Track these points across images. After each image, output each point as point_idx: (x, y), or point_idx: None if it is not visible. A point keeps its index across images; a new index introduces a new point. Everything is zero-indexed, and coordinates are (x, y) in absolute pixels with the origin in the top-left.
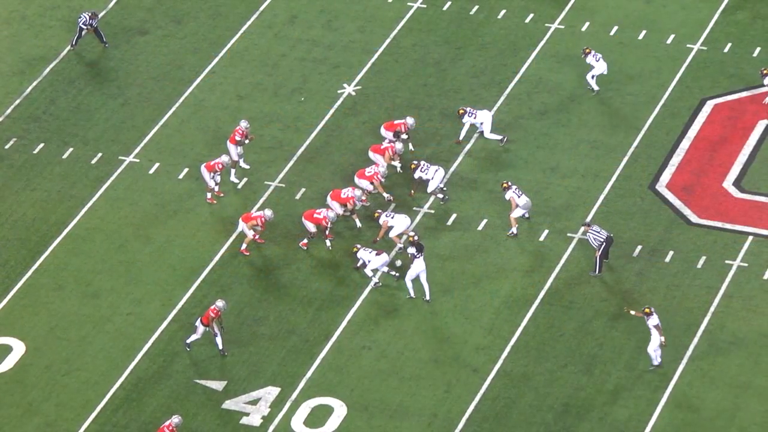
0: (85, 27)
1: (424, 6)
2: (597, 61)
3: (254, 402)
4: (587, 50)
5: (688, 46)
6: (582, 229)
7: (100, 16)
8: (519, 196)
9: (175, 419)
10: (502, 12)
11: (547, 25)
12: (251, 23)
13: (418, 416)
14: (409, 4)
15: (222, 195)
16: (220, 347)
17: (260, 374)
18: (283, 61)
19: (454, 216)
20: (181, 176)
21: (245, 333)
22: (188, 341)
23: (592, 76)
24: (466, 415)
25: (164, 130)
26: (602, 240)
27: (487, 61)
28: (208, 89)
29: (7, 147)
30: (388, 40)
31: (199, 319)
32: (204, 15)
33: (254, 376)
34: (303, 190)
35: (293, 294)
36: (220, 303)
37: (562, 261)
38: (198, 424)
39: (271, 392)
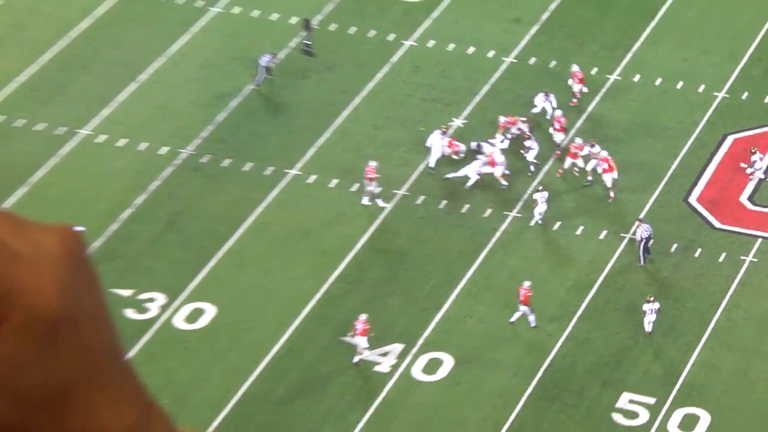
0: (266, 65)
1: (515, 61)
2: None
3: (384, 354)
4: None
5: (714, 94)
6: (636, 223)
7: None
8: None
9: (363, 316)
10: (575, 67)
11: (607, 76)
12: (385, 71)
13: (506, 367)
14: (503, 59)
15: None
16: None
17: (389, 334)
18: (408, 100)
19: (538, 217)
20: (331, 185)
21: (379, 303)
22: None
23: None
24: (543, 368)
25: (319, 151)
26: (648, 234)
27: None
28: (352, 120)
29: (203, 161)
30: (487, 87)
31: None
32: (350, 64)
33: (385, 336)
34: (422, 197)
35: (413, 276)
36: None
37: (616, 255)
38: (343, 369)
39: (397, 348)
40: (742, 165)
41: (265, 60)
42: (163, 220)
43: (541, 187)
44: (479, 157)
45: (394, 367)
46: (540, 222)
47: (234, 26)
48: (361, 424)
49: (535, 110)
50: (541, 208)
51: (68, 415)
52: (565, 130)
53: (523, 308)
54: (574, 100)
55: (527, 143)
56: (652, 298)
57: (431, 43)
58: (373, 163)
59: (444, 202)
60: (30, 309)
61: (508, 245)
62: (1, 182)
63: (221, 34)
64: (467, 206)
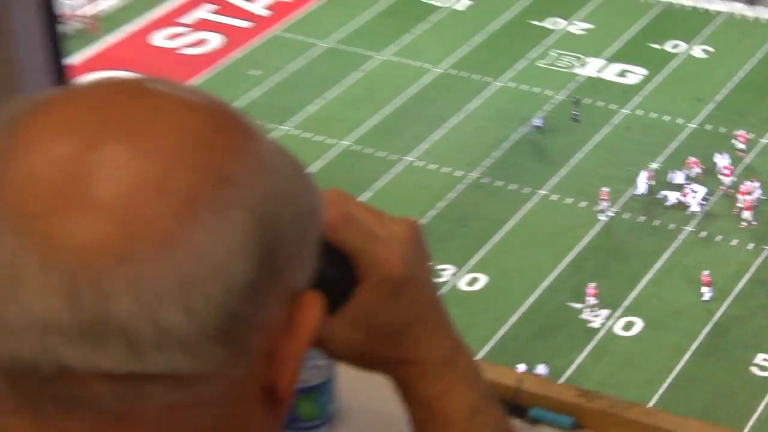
0: (537, 125)
1: (696, 126)
2: None
3: (597, 315)
4: None
5: None
6: None
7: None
8: None
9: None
10: (739, 131)
11: (760, 140)
12: (607, 130)
13: (678, 330)
14: (687, 124)
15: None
16: None
17: (603, 301)
18: (622, 148)
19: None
20: (569, 202)
21: (600, 284)
22: None
23: None
24: (704, 332)
25: (563, 178)
26: None
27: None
28: (585, 159)
29: (484, 181)
30: (676, 143)
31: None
32: (587, 124)
33: (600, 303)
34: (628, 214)
35: (624, 266)
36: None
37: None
38: (571, 322)
39: (606, 311)
40: None
41: (537, 121)
42: (453, 218)
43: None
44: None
45: (602, 325)
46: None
47: (513, 96)
48: (579, 360)
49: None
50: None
51: (403, 345)
52: (731, 175)
53: (704, 288)
54: (740, 153)
55: (696, 186)
56: None
57: (639, 112)
58: (605, 189)
59: (642, 217)
60: (383, 273)
61: (692, 246)
62: (352, 189)
63: (504, 100)
64: (659, 221)
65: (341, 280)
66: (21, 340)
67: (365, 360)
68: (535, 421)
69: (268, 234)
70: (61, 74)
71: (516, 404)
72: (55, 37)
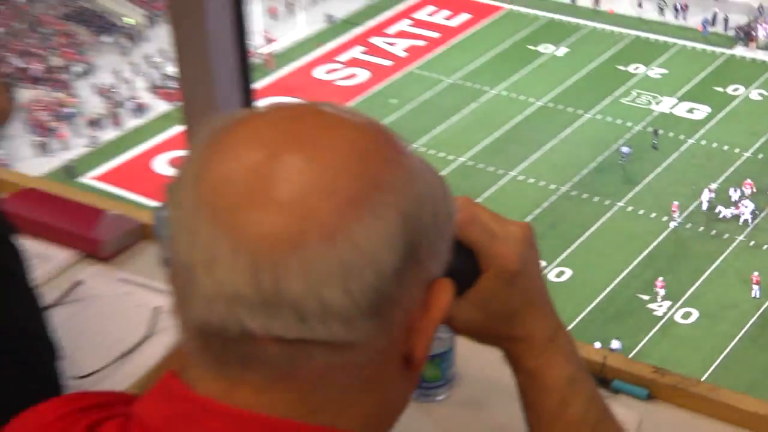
0: (625, 152)
1: (751, 155)
2: None
3: (660, 306)
4: None
5: None
6: None
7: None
8: None
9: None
10: None
11: None
12: (678, 157)
13: (729, 320)
14: (743, 153)
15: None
16: None
17: (669, 293)
18: (696, 173)
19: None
20: (651, 215)
21: (667, 279)
22: None
23: None
24: (754, 318)
25: (645, 191)
26: None
27: None
28: (663, 179)
29: (573, 194)
30: (731, 169)
31: None
32: (661, 154)
33: (666, 294)
34: (690, 224)
35: (692, 263)
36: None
37: None
38: (641, 309)
39: (668, 303)
40: None
41: (625, 149)
42: (546, 223)
43: None
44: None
45: (665, 314)
46: None
47: (600, 126)
48: (644, 341)
49: None
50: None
51: (514, 325)
52: None
53: (755, 286)
54: None
55: (747, 202)
56: None
57: (703, 142)
58: (675, 202)
59: (702, 227)
60: (501, 266)
61: (743, 252)
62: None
63: (592, 130)
64: (715, 231)
65: (467, 270)
66: (213, 308)
67: (482, 335)
68: (617, 391)
69: (413, 231)
70: (248, 98)
71: (601, 377)
72: (245, 69)
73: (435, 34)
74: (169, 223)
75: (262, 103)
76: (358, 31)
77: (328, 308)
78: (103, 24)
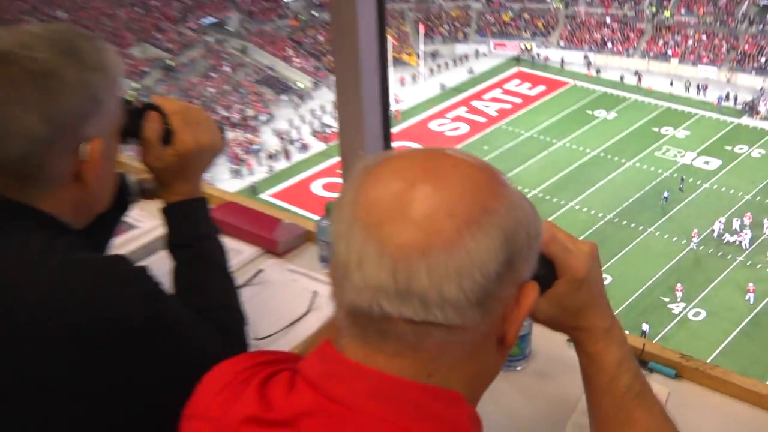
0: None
1: None
2: None
3: (677, 306)
4: None
5: None
6: None
7: None
8: None
9: (679, 284)
10: None
11: None
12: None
13: (730, 319)
14: None
15: None
16: None
17: (685, 295)
18: (728, 207)
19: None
20: (681, 240)
21: (687, 285)
22: None
23: None
24: (750, 316)
25: (675, 218)
26: None
27: None
28: (692, 208)
29: (615, 221)
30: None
31: None
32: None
33: (682, 296)
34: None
35: (707, 273)
36: None
37: None
38: (661, 307)
39: (682, 304)
40: None
41: (666, 193)
42: (593, 240)
43: None
44: None
45: (680, 313)
46: None
47: (637, 172)
48: (663, 332)
49: None
50: None
51: (580, 318)
52: None
53: (749, 294)
54: None
55: (747, 231)
56: None
57: (715, 186)
58: (695, 230)
59: (712, 249)
60: (572, 274)
61: (742, 269)
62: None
63: (631, 174)
64: (721, 252)
65: (547, 276)
66: (361, 295)
67: (555, 325)
68: (651, 371)
69: (511, 245)
70: (388, 141)
71: (641, 359)
72: (386, 120)
73: (518, 100)
74: (332, 232)
75: (394, 145)
76: (462, 96)
77: (446, 300)
78: (282, 87)
